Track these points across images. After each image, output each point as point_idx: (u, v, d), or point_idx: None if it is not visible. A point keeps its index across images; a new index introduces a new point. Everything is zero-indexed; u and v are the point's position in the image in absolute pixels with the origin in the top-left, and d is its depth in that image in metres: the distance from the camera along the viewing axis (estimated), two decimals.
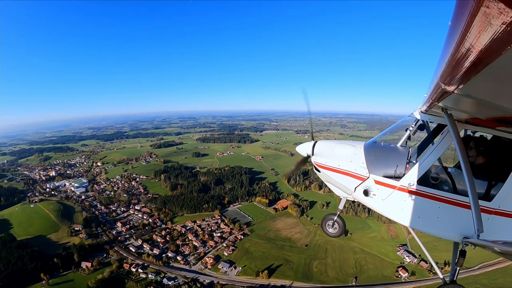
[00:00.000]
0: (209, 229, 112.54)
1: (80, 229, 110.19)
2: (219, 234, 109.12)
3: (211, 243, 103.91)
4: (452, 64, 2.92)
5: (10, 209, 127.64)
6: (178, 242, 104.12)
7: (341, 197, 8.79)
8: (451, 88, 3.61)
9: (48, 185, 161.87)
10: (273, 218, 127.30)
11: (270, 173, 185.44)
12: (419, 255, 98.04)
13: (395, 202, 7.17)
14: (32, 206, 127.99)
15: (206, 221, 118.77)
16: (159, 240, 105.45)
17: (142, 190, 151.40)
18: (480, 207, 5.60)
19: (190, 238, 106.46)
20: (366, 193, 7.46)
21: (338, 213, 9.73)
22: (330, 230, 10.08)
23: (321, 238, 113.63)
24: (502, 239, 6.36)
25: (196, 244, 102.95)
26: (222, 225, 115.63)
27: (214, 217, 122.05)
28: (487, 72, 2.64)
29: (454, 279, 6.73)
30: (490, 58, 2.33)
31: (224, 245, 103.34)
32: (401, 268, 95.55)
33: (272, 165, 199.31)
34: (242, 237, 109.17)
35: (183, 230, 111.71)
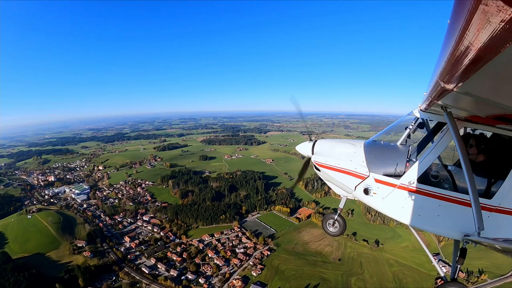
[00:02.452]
0: (230, 244, 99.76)
1: (84, 245, 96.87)
2: (242, 250, 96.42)
3: (235, 261, 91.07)
4: (451, 62, 2.94)
5: (5, 219, 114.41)
6: (197, 260, 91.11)
7: (341, 196, 8.85)
8: (450, 86, 3.61)
9: (46, 192, 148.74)
10: (297, 229, 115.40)
11: (283, 177, 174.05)
12: None
13: (395, 200, 7.20)
14: (29, 217, 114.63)
15: (225, 234, 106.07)
16: (174, 258, 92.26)
17: (149, 198, 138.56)
18: (481, 204, 5.59)
19: (210, 255, 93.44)
20: (366, 191, 7.56)
21: (339, 212, 9.80)
22: (331, 229, 10.16)
23: (353, 250, 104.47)
24: (503, 237, 6.34)
25: (218, 262, 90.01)
26: (244, 239, 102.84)
27: (233, 229, 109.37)
28: (486, 70, 2.66)
29: (455, 277, 6.89)
30: (489, 56, 2.37)
31: (251, 263, 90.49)
32: (439, 279, 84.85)
33: (284, 169, 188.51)
34: (268, 252, 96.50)
35: (201, 245, 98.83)
